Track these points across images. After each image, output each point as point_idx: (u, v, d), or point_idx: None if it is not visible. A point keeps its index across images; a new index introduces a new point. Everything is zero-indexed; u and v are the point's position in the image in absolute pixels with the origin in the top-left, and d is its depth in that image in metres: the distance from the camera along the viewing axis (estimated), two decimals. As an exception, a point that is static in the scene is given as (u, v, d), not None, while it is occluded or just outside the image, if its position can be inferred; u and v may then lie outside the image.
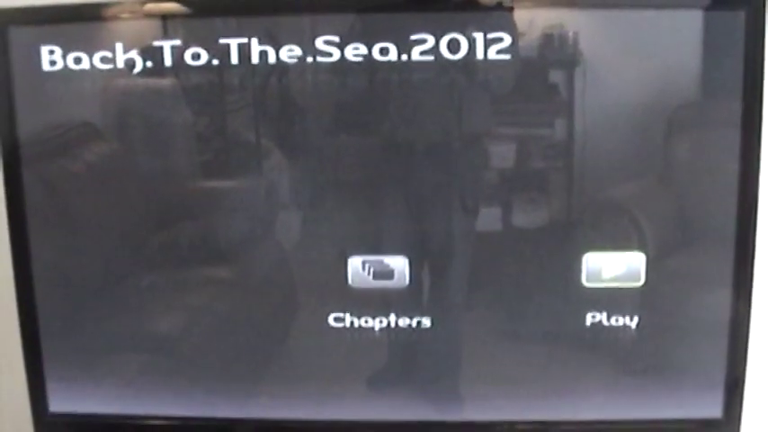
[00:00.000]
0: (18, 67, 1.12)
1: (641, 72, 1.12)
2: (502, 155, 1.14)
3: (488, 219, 1.16)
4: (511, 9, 1.09)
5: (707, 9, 1.09)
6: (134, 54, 1.10)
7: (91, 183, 1.19)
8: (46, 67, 1.11)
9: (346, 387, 1.20)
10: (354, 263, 1.14)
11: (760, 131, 1.11)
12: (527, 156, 1.14)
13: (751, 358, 1.16)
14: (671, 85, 1.12)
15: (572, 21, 1.11)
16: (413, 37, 1.07)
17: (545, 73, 1.13)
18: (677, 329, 1.17)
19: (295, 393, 1.19)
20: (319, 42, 1.07)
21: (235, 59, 1.09)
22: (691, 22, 1.11)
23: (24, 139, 1.14)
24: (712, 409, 1.16)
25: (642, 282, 1.13)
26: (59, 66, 1.11)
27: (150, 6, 1.11)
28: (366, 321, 1.16)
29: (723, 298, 1.14)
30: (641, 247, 1.13)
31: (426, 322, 1.15)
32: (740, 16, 1.08)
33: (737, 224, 1.12)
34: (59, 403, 1.21)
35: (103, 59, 1.10)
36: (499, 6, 1.08)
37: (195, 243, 1.19)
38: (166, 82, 1.14)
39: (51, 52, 1.10)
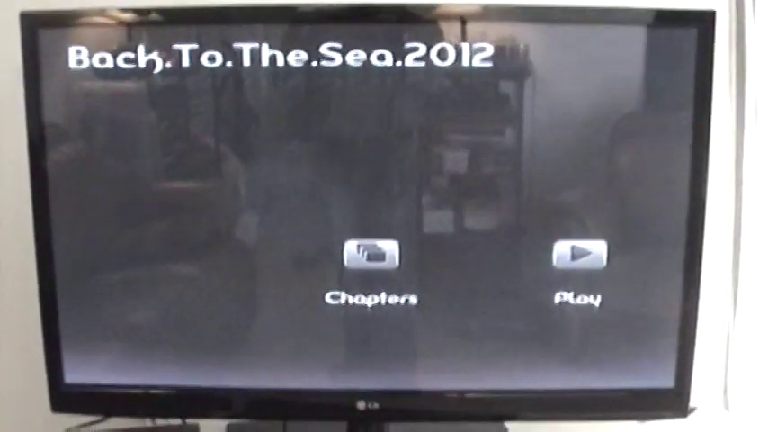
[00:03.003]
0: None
1: (590, 84, 1.19)
2: (457, 159, 1.22)
3: (470, 209, 1.25)
4: (464, 23, 1.17)
5: (660, 26, 1.17)
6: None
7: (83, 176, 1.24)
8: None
9: (336, 357, 1.27)
10: (350, 246, 1.23)
11: (709, 138, 1.20)
12: (485, 157, 1.24)
13: (700, 333, 1.25)
14: (618, 96, 1.20)
15: (523, 34, 1.18)
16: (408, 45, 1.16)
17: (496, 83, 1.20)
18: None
19: (293, 364, 1.25)
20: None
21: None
22: (640, 38, 1.18)
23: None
24: (665, 379, 1.25)
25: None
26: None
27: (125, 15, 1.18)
28: (359, 299, 1.24)
29: (673, 290, 1.23)
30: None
31: (413, 300, 1.23)
32: (692, 33, 1.16)
33: (687, 220, 1.21)
34: (74, 375, 1.26)
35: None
36: (454, 20, 1.17)
37: (210, 224, 1.25)
38: (134, 85, 1.19)
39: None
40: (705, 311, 1.27)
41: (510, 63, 1.19)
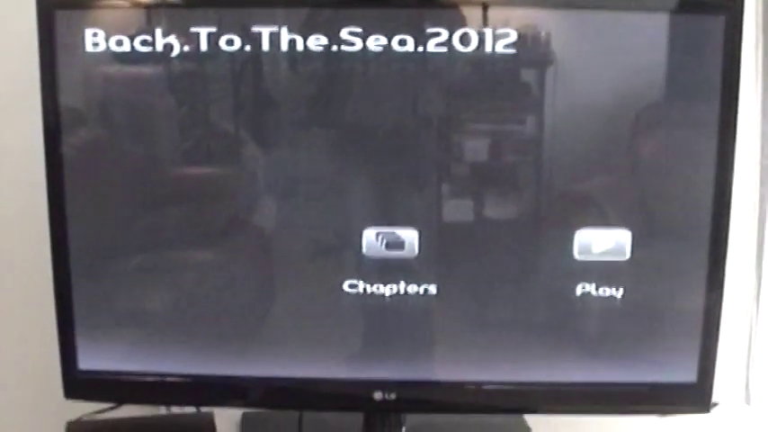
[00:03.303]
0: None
1: (614, 72, 1.18)
2: (478, 146, 1.21)
3: (491, 198, 1.24)
4: (487, 8, 1.15)
5: (686, 13, 1.15)
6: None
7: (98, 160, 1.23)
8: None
9: (354, 347, 1.26)
10: (369, 234, 1.21)
11: (735, 130, 1.18)
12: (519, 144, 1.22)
13: (723, 328, 1.23)
14: (642, 85, 1.18)
15: (547, 21, 1.16)
16: (429, 30, 1.14)
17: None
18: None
19: (309, 353, 1.25)
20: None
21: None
22: (666, 25, 1.16)
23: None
24: (688, 374, 1.23)
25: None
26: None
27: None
28: (378, 288, 1.22)
29: (697, 283, 1.21)
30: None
31: (432, 289, 1.22)
32: (720, 21, 1.14)
33: (712, 213, 1.19)
34: (88, 361, 1.25)
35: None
36: (477, 5, 1.15)
37: (229, 210, 1.24)
38: (151, 69, 1.18)
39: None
40: (727, 305, 1.25)
41: (533, 50, 1.17)
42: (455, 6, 1.17)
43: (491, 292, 1.25)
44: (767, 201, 1.52)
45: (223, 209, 1.25)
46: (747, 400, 1.58)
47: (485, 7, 1.16)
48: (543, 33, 1.17)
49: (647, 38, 1.18)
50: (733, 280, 1.28)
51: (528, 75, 1.20)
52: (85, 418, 1.38)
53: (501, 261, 1.24)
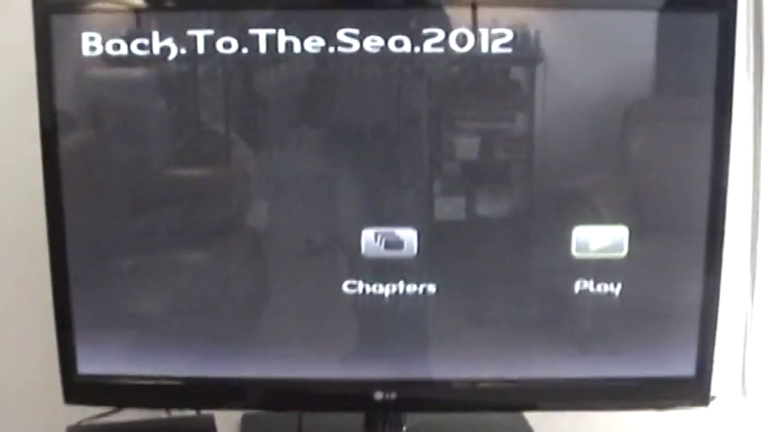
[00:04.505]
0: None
1: (608, 70, 1.18)
2: (475, 145, 1.22)
3: (490, 196, 1.24)
4: (482, 8, 1.16)
5: (680, 11, 1.16)
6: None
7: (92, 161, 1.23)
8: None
9: (353, 347, 1.26)
10: (368, 234, 1.21)
11: (730, 125, 1.19)
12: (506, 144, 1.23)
13: (720, 322, 1.24)
14: (636, 82, 1.19)
15: (541, 20, 1.16)
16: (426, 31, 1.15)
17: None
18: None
19: (309, 354, 1.25)
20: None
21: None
22: (660, 23, 1.17)
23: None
24: (686, 368, 1.24)
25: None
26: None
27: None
28: (377, 288, 1.23)
29: (694, 277, 1.22)
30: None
31: (432, 289, 1.22)
32: (713, 18, 1.15)
33: (708, 208, 1.20)
34: (87, 365, 1.25)
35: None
36: (472, 5, 1.16)
37: (229, 212, 1.24)
38: (148, 72, 1.18)
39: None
40: (723, 299, 1.26)
41: (528, 49, 1.18)
42: (450, 7, 1.17)
43: (490, 291, 1.25)
44: (761, 195, 1.53)
45: (224, 211, 1.25)
46: (744, 393, 1.60)
47: (477, 8, 1.17)
48: (537, 33, 1.17)
49: (641, 36, 1.18)
50: (729, 274, 1.29)
51: (523, 73, 1.21)
52: (85, 423, 1.38)
53: (500, 259, 1.24)
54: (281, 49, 1.16)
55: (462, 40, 1.16)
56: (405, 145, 1.21)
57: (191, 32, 1.16)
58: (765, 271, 1.55)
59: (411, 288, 1.23)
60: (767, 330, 1.57)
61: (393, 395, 1.25)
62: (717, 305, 1.24)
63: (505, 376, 1.26)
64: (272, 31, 1.15)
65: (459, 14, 1.17)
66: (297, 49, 1.16)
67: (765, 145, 1.52)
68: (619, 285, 1.23)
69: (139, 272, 1.24)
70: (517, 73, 1.21)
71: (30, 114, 1.20)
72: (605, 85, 1.20)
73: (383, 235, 1.21)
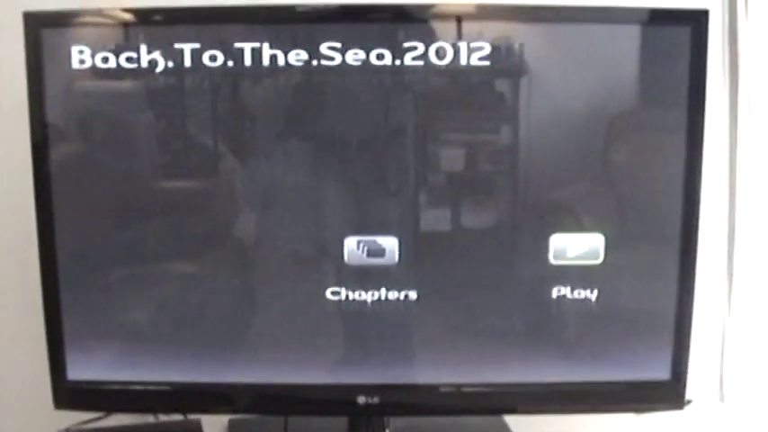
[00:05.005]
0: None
1: (586, 82, 1.21)
2: (456, 156, 1.24)
3: (469, 205, 1.26)
4: (461, 22, 1.18)
5: (654, 25, 1.19)
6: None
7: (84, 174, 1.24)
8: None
9: (337, 353, 1.28)
10: (350, 242, 1.24)
11: (703, 135, 1.21)
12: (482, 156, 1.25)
13: (695, 326, 1.26)
14: (613, 94, 1.22)
15: (520, 33, 1.19)
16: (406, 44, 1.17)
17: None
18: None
19: (294, 360, 1.27)
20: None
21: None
22: (635, 36, 1.20)
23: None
24: (662, 371, 1.26)
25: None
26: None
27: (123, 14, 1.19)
28: (359, 294, 1.25)
29: (669, 283, 1.24)
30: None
31: (413, 295, 1.25)
32: (686, 31, 1.18)
33: (682, 215, 1.23)
34: (76, 371, 1.26)
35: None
36: (452, 19, 1.18)
37: (215, 222, 1.26)
38: (137, 84, 1.20)
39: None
40: (700, 305, 1.28)
41: (506, 62, 1.21)
42: (431, 21, 1.20)
43: (470, 297, 1.27)
44: (737, 202, 1.55)
45: (210, 220, 1.27)
46: (722, 398, 1.61)
47: (459, 21, 1.19)
48: (521, 46, 1.20)
49: (616, 49, 1.21)
50: (705, 279, 1.32)
51: (503, 85, 1.23)
52: (74, 428, 1.40)
53: (479, 267, 1.27)
54: (266, 62, 1.18)
55: (442, 53, 1.19)
56: (388, 155, 1.24)
57: (178, 46, 1.19)
58: (742, 278, 1.57)
59: (392, 295, 1.25)
60: (745, 337, 1.58)
61: (376, 399, 1.27)
62: (691, 310, 1.26)
63: (486, 381, 1.28)
64: (257, 44, 1.18)
65: (439, 28, 1.20)
66: (281, 62, 1.18)
67: (741, 153, 1.55)
68: (595, 291, 1.25)
69: (128, 280, 1.26)
70: (501, 85, 1.23)
71: (21, 126, 1.22)
72: (587, 97, 1.23)
73: (365, 243, 1.23)
